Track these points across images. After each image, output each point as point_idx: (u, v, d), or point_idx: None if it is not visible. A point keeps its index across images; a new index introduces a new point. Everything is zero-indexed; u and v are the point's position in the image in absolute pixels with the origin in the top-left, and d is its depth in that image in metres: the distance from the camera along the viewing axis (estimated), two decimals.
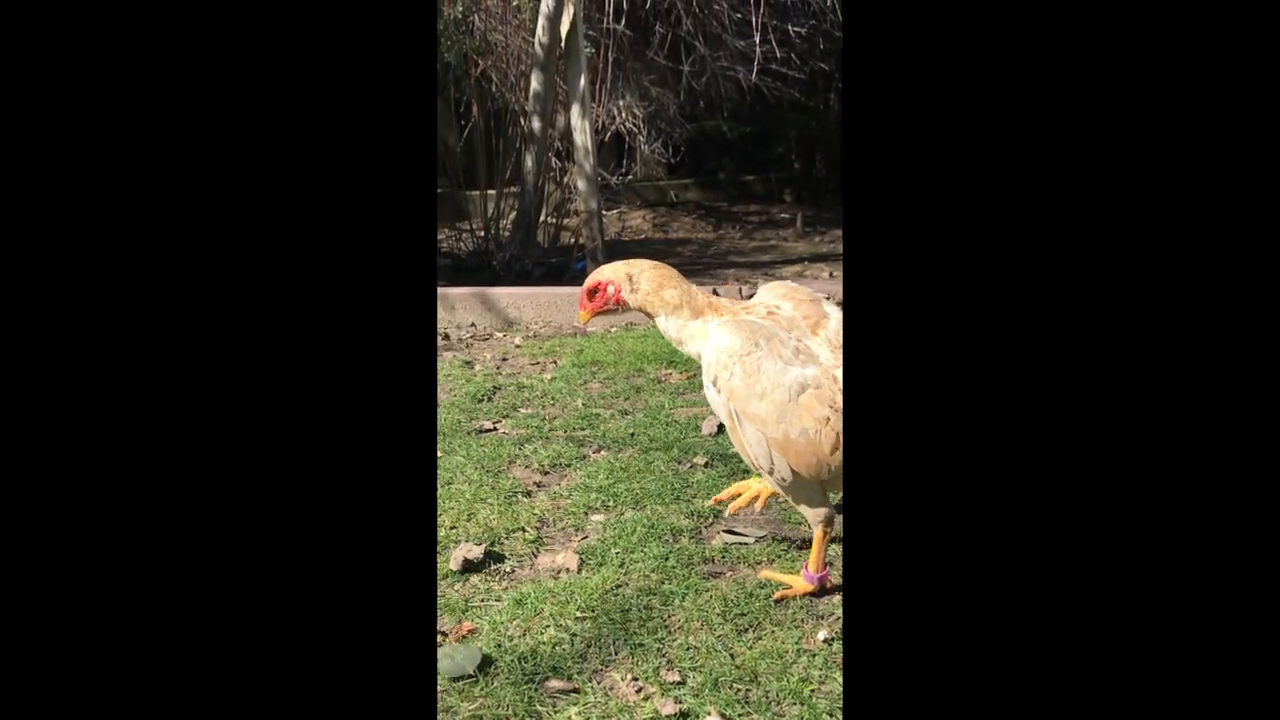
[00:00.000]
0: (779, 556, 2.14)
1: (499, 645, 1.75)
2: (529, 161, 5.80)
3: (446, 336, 4.56)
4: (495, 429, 3.08)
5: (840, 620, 1.84)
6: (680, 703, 1.57)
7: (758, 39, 6.31)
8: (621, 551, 2.14)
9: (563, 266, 5.96)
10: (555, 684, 1.64)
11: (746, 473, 2.57)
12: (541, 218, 6.22)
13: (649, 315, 1.92)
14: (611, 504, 2.43)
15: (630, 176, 8.27)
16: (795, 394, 1.75)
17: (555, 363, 3.95)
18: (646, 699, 1.59)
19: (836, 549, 2.10)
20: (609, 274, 1.92)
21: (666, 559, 2.10)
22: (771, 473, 1.83)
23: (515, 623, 1.84)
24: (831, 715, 1.54)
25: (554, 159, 6.41)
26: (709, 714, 1.55)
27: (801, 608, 1.90)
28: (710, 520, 2.34)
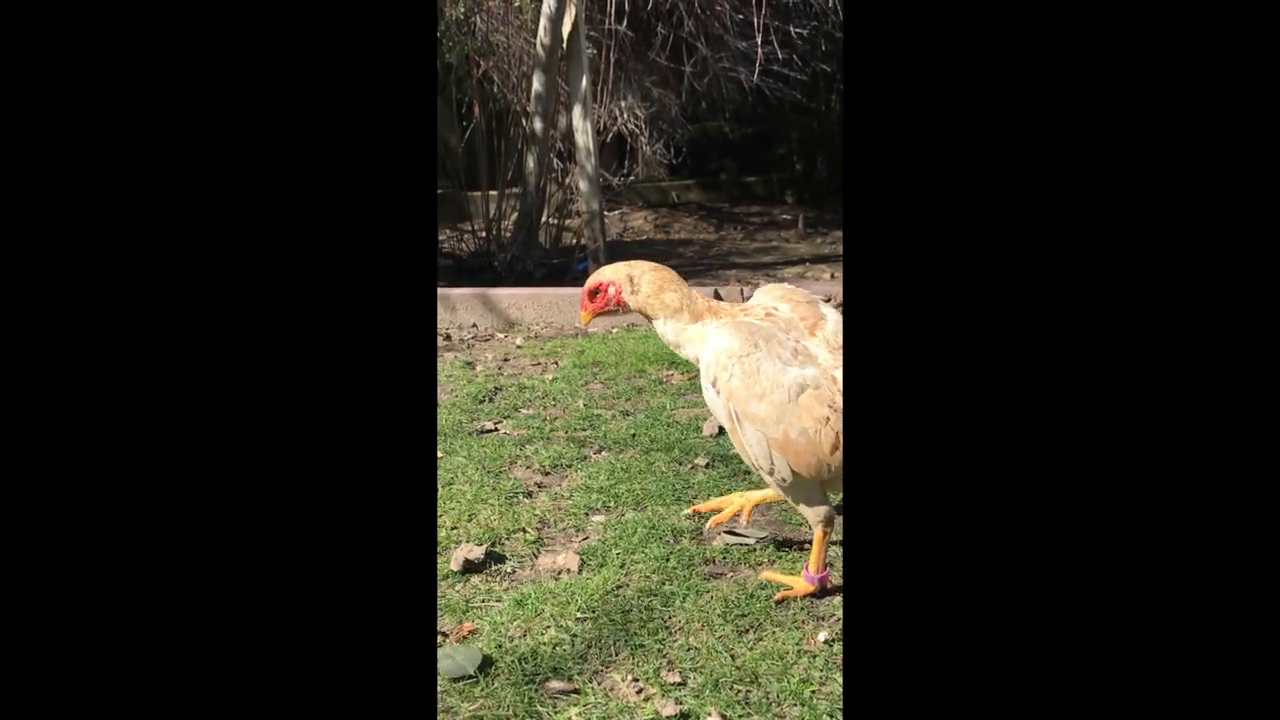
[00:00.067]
0: (780, 558, 2.14)
1: (499, 646, 1.75)
2: (531, 162, 5.80)
3: (448, 337, 4.56)
4: (496, 429, 3.08)
5: (841, 621, 1.83)
6: (681, 704, 1.57)
7: (759, 40, 6.32)
8: (622, 552, 2.14)
9: (564, 267, 5.96)
10: (556, 685, 1.64)
11: (747, 474, 2.57)
12: (543, 218, 6.22)
13: (648, 317, 1.92)
14: (612, 505, 2.43)
15: (632, 177, 8.28)
16: (795, 394, 1.76)
17: (557, 363, 3.95)
18: (647, 700, 1.59)
19: (837, 550, 2.10)
20: (610, 275, 1.92)
21: (667, 560, 2.10)
22: (772, 473, 1.83)
23: (516, 623, 1.84)
24: (832, 716, 1.54)
25: (556, 160, 6.41)
26: (709, 715, 1.55)
27: (802, 609, 1.90)
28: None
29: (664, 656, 1.73)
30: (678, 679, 1.65)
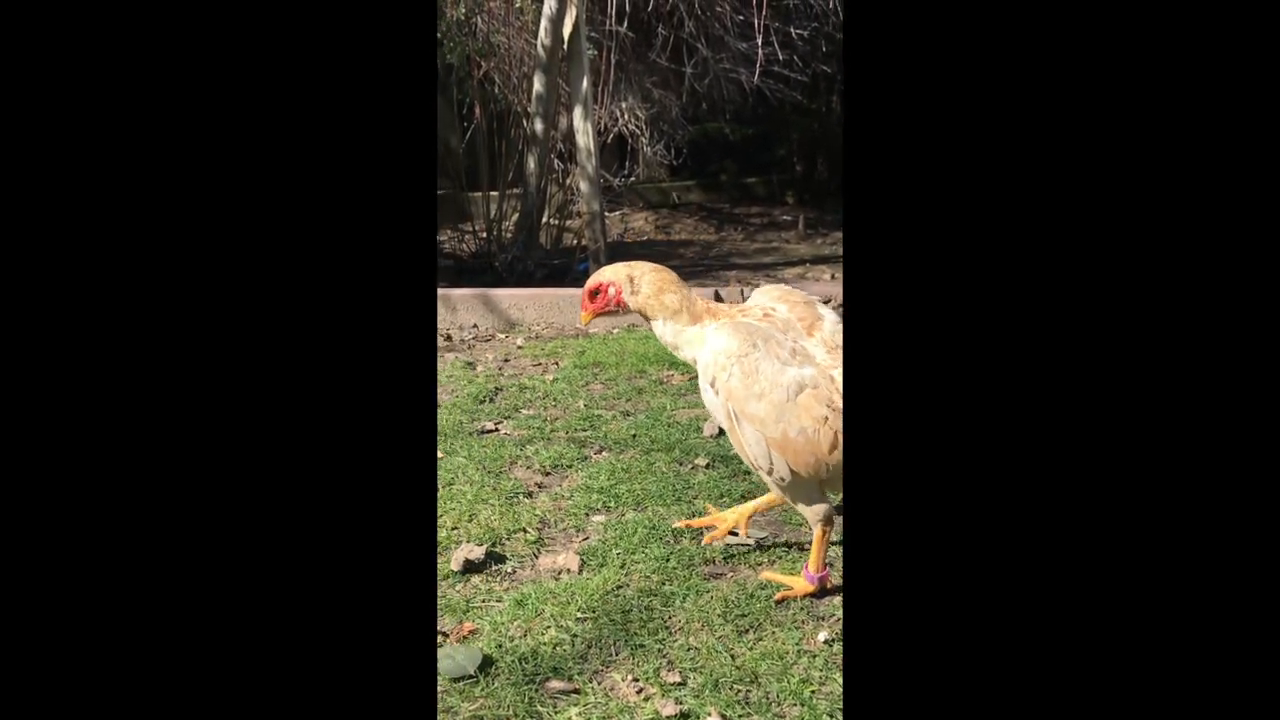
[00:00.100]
0: (780, 558, 2.14)
1: (500, 646, 1.76)
2: (531, 163, 5.81)
3: (449, 338, 4.56)
4: (497, 430, 3.09)
5: (841, 621, 1.84)
6: (681, 704, 1.57)
7: (760, 41, 6.31)
8: (622, 552, 2.14)
9: (565, 268, 5.96)
10: (556, 684, 1.64)
11: (747, 474, 2.57)
12: (544, 219, 6.22)
13: (646, 318, 1.93)
14: (613, 505, 2.43)
15: (632, 178, 8.28)
16: (793, 394, 1.77)
17: (557, 364, 3.95)
18: (647, 700, 1.59)
19: (837, 550, 2.10)
20: (610, 275, 1.93)
21: (667, 560, 2.10)
22: (770, 473, 1.84)
23: (516, 623, 1.84)
24: (832, 716, 1.54)
25: (556, 161, 6.41)
26: (709, 715, 1.55)
27: (802, 609, 1.90)
28: None
29: (664, 656, 1.73)
30: (678, 679, 1.65)
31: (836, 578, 1.97)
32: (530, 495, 2.52)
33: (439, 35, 5.57)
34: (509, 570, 2.10)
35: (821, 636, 1.78)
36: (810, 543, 1.97)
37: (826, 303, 1.98)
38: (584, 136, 5.55)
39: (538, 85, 5.68)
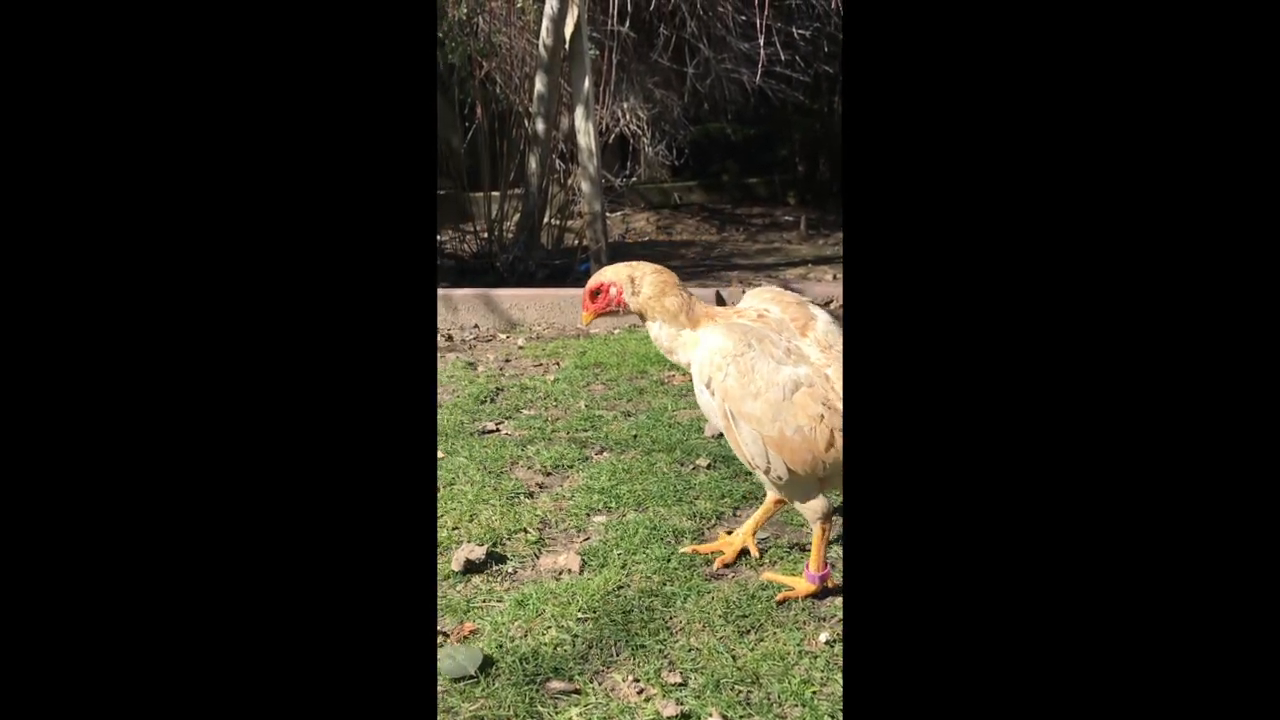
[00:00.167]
0: (781, 559, 2.14)
1: (500, 646, 1.75)
2: (533, 163, 5.80)
3: (450, 338, 4.56)
4: (498, 430, 3.08)
5: (842, 622, 1.83)
6: (682, 704, 1.57)
7: (762, 41, 6.31)
8: (623, 553, 2.14)
9: (566, 268, 5.96)
10: (556, 685, 1.64)
11: (749, 475, 2.56)
12: (545, 219, 6.22)
13: (644, 319, 1.93)
14: (614, 505, 2.43)
15: (634, 179, 8.27)
16: (789, 392, 1.78)
17: (558, 364, 3.95)
18: (648, 700, 1.59)
19: (837, 551, 2.10)
20: (611, 276, 1.93)
21: (668, 560, 2.10)
22: (768, 471, 1.85)
23: (517, 623, 1.84)
24: (833, 717, 1.54)
25: (558, 161, 6.41)
26: (710, 715, 1.55)
27: (803, 610, 1.90)
28: (713, 522, 2.34)
29: (665, 657, 1.73)
30: (679, 679, 1.65)
31: (838, 577, 1.97)
32: (531, 495, 2.52)
33: (441, 35, 5.57)
34: (510, 570, 2.10)
35: (823, 637, 1.78)
36: (811, 543, 1.97)
37: (828, 304, 1.98)
38: (585, 137, 5.55)
39: (539, 85, 5.68)
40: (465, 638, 1.79)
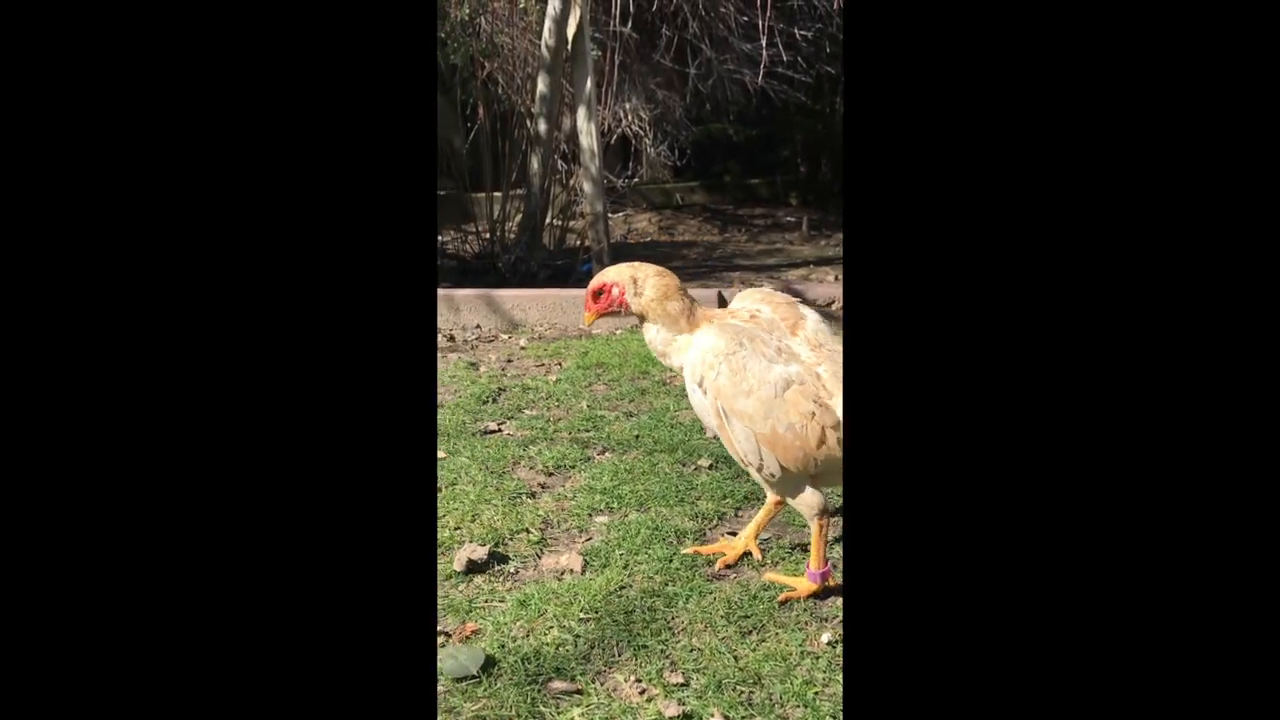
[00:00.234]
0: (783, 559, 2.14)
1: (502, 646, 1.75)
2: (535, 164, 5.81)
3: (452, 338, 4.56)
4: (500, 430, 3.09)
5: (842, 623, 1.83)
6: (684, 704, 1.57)
7: (764, 42, 6.31)
8: (625, 553, 2.14)
9: (568, 269, 5.96)
10: (558, 685, 1.64)
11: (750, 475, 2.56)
12: (547, 220, 6.22)
13: (642, 320, 1.94)
14: (616, 506, 2.43)
15: (636, 179, 8.27)
16: (781, 390, 1.80)
17: (560, 365, 3.95)
18: (650, 700, 1.59)
19: (838, 553, 2.10)
20: (614, 276, 1.94)
21: (670, 561, 2.10)
22: (760, 469, 1.87)
23: (519, 624, 1.84)
24: (835, 718, 1.54)
25: (560, 161, 6.41)
26: (712, 716, 1.55)
27: (805, 610, 1.90)
28: (715, 522, 2.34)
29: (667, 657, 1.73)
30: (681, 680, 1.65)
31: (839, 577, 1.97)
32: (533, 495, 2.52)
33: (443, 36, 5.57)
34: (512, 570, 2.10)
35: (825, 638, 1.78)
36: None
37: (830, 304, 1.99)
38: (587, 137, 5.55)
39: (541, 86, 5.68)
40: (467, 638, 1.79)
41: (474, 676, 1.65)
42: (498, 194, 6.33)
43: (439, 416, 3.18)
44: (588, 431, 3.04)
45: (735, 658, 1.72)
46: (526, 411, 3.29)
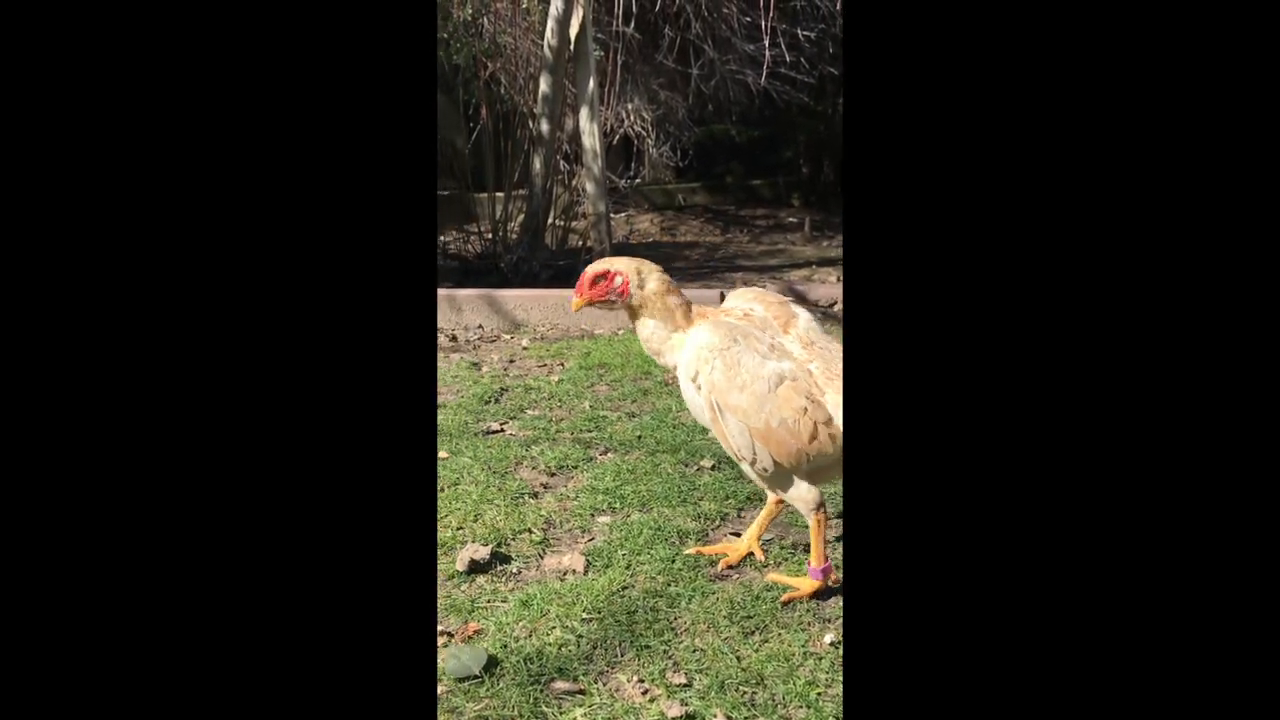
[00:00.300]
0: (786, 560, 2.14)
1: (505, 646, 1.75)
2: (537, 164, 5.81)
3: (454, 338, 4.56)
4: (502, 430, 3.08)
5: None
6: (686, 705, 1.57)
7: (767, 43, 6.31)
8: (628, 553, 2.14)
9: (570, 269, 5.96)
10: (561, 685, 1.64)
11: None
12: (549, 220, 6.22)
13: (635, 317, 1.94)
14: (618, 506, 2.43)
15: (638, 180, 8.27)
16: (774, 385, 1.83)
17: (562, 365, 3.95)
18: (652, 701, 1.59)
19: (839, 555, 2.10)
20: (622, 265, 1.95)
21: (673, 561, 2.10)
22: (754, 463, 1.88)
23: (521, 624, 1.84)
24: (837, 719, 1.54)
25: (562, 162, 6.41)
26: (715, 716, 1.54)
27: (808, 611, 1.89)
28: (717, 523, 2.34)
29: (669, 658, 1.72)
30: (683, 680, 1.65)
31: (840, 576, 1.97)
32: (535, 496, 2.52)
33: (445, 36, 5.57)
34: (514, 570, 2.10)
35: (827, 639, 1.78)
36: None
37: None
38: (590, 138, 5.55)
39: (544, 86, 5.68)
40: (470, 638, 1.79)
41: (476, 676, 1.65)
42: (500, 194, 6.33)
43: (441, 417, 3.18)
44: (590, 432, 3.03)
45: (738, 658, 1.71)
46: (529, 412, 3.29)
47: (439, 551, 2.16)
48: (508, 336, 4.64)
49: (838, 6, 6.86)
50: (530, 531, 2.28)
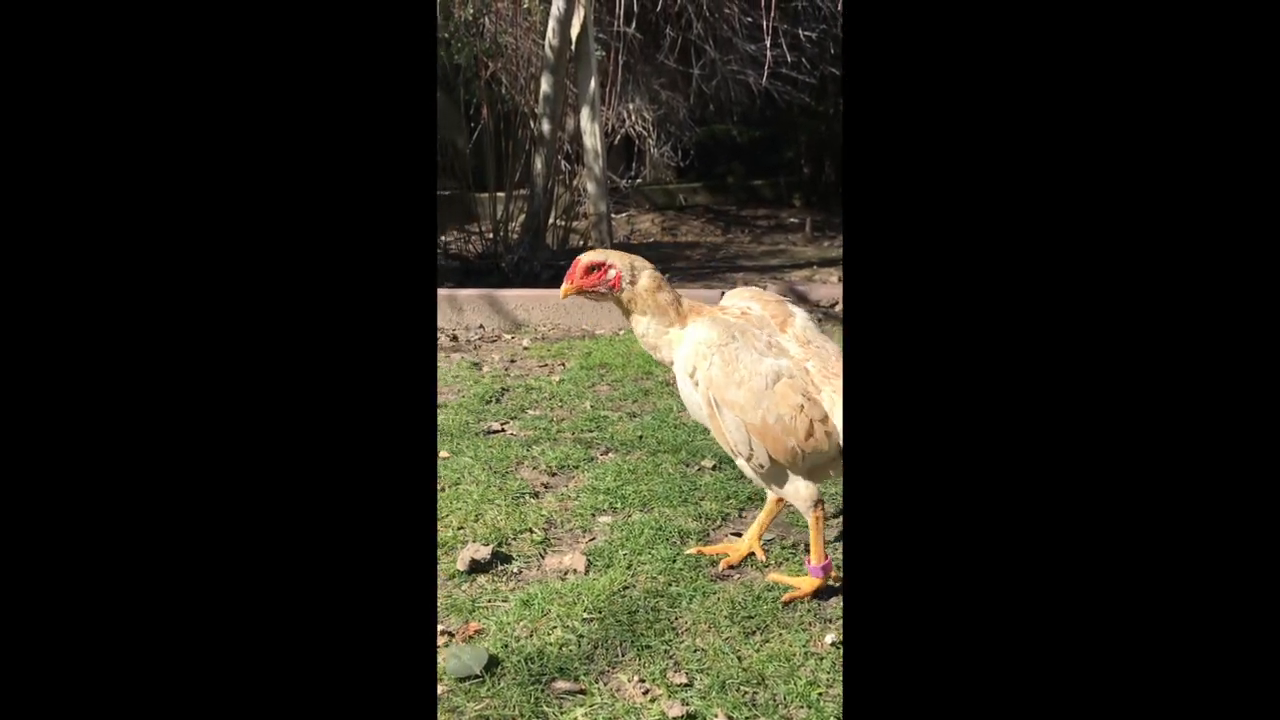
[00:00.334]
0: (787, 560, 2.13)
1: (506, 646, 1.75)
2: (538, 164, 5.81)
3: (455, 338, 4.56)
4: (503, 430, 3.08)
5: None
6: (687, 705, 1.57)
7: (768, 43, 6.31)
8: (629, 553, 2.14)
9: None
10: (562, 685, 1.64)
11: None
12: (550, 220, 6.22)
13: (628, 313, 1.95)
14: (619, 506, 2.43)
15: (639, 180, 8.28)
16: (771, 382, 1.85)
17: (563, 365, 3.95)
18: (653, 701, 1.59)
19: (839, 557, 2.09)
20: (616, 259, 1.95)
21: (674, 561, 2.10)
22: (750, 459, 1.89)
23: (522, 623, 1.84)
24: (838, 719, 1.54)
25: (563, 162, 6.41)
26: (716, 716, 1.54)
27: (809, 611, 1.89)
28: (718, 523, 2.34)
29: (670, 658, 1.72)
30: (684, 680, 1.65)
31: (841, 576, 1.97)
32: (537, 495, 2.52)
33: (446, 36, 5.57)
34: (515, 570, 2.10)
35: (829, 639, 1.78)
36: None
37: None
38: (591, 137, 5.55)
39: (545, 86, 5.68)
40: (470, 637, 1.79)
41: (477, 676, 1.65)
42: (501, 194, 6.33)
43: (442, 416, 3.18)
44: (591, 432, 3.03)
45: (739, 658, 1.71)
46: (530, 411, 3.29)
47: (440, 551, 2.16)
48: (509, 336, 4.64)
49: (839, 7, 6.85)
50: (531, 531, 2.28)
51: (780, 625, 1.83)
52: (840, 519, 2.32)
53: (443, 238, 6.70)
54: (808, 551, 2.15)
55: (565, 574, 2.07)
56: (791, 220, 8.55)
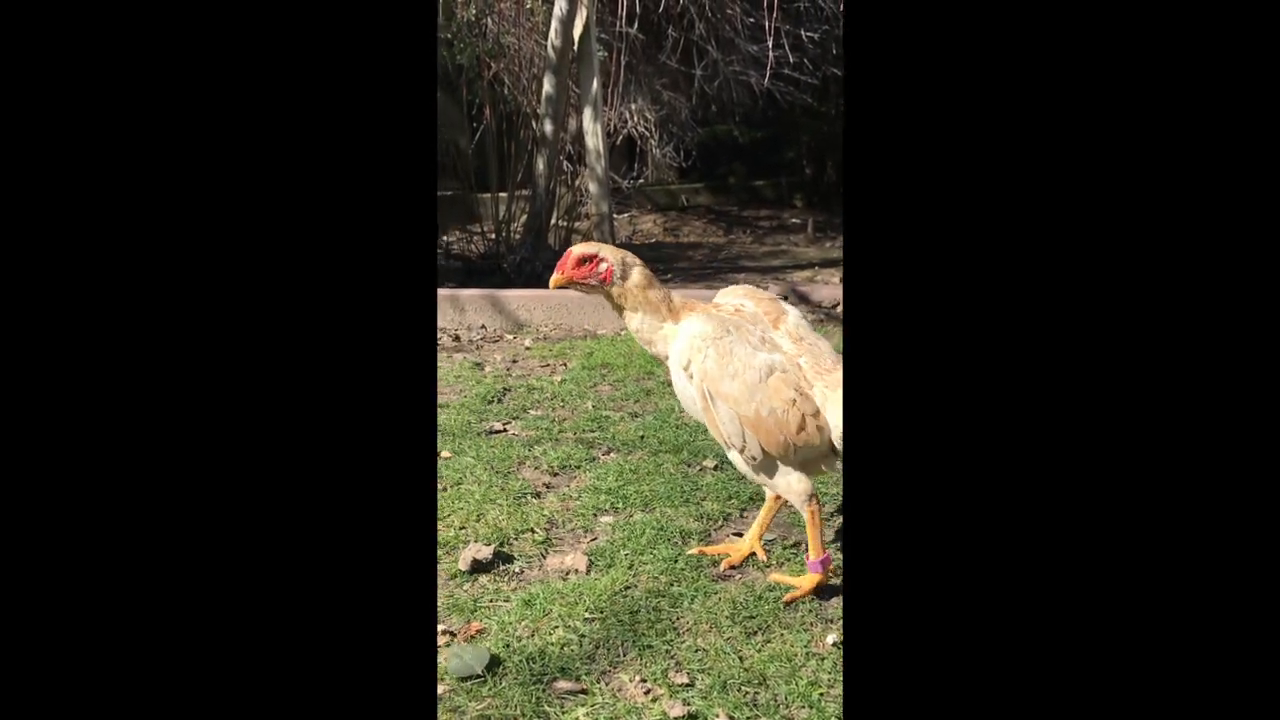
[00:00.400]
0: (788, 560, 2.14)
1: (507, 645, 1.75)
2: (540, 164, 5.81)
3: (457, 338, 4.56)
4: (505, 430, 3.09)
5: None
6: (688, 705, 1.57)
7: (770, 44, 6.31)
8: (630, 553, 2.14)
9: None
10: (563, 685, 1.64)
11: None
12: (552, 221, 6.22)
13: (620, 309, 1.96)
14: (621, 506, 2.43)
15: (641, 180, 8.28)
16: (764, 375, 1.88)
17: (565, 365, 3.95)
18: (655, 700, 1.59)
19: (839, 557, 2.10)
20: (608, 253, 1.96)
21: (675, 561, 2.10)
22: (743, 451, 1.91)
23: (524, 623, 1.84)
24: (839, 719, 1.54)
25: (565, 162, 6.41)
26: (717, 716, 1.54)
27: (810, 611, 1.89)
28: (720, 523, 2.34)
29: (672, 657, 1.72)
30: (686, 680, 1.65)
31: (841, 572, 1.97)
32: (538, 495, 2.52)
33: (449, 36, 5.58)
34: (517, 570, 2.10)
35: (830, 639, 1.78)
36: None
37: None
38: (593, 138, 5.55)
39: (547, 86, 5.68)
40: (472, 637, 1.79)
41: (479, 676, 1.65)
42: (503, 194, 6.34)
43: (444, 416, 3.19)
44: (593, 432, 3.04)
45: (740, 658, 1.71)
46: (531, 412, 3.29)
47: (442, 551, 2.16)
48: (510, 337, 4.64)
49: (841, 7, 6.85)
50: (533, 531, 2.28)
51: (782, 625, 1.84)
52: (840, 518, 2.32)
53: (445, 238, 6.70)
54: (808, 550, 2.15)
55: (567, 574, 2.07)
56: (793, 221, 8.55)
